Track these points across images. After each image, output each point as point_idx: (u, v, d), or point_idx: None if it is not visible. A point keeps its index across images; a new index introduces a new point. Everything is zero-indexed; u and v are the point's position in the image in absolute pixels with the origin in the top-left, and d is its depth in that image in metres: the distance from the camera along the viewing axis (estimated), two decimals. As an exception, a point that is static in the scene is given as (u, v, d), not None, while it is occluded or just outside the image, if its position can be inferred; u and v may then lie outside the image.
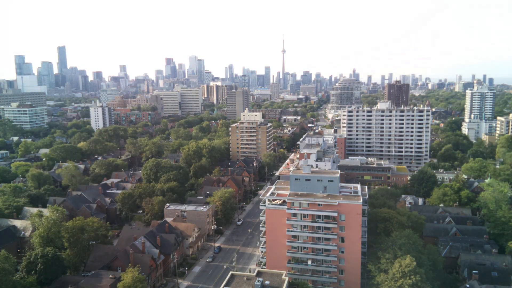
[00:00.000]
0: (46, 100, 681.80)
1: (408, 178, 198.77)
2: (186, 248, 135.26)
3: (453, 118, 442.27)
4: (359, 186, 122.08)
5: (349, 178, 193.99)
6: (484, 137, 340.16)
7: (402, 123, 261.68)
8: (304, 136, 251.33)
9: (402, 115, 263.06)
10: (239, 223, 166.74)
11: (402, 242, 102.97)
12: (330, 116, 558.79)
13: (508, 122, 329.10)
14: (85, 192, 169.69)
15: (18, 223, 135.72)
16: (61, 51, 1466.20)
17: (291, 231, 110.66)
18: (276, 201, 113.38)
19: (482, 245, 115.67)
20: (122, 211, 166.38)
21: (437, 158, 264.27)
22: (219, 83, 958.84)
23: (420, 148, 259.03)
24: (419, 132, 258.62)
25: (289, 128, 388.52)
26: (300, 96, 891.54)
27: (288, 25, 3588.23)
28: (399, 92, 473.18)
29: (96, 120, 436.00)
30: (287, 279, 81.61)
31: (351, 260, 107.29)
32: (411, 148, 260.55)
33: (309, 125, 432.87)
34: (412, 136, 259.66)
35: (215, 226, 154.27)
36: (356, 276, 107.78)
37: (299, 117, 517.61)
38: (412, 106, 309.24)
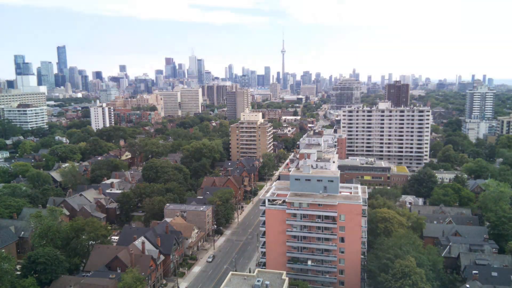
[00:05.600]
0: (46, 100, 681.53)
1: (408, 178, 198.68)
2: (186, 248, 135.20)
3: (453, 118, 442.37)
4: (359, 186, 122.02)
5: (349, 178, 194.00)
6: (484, 137, 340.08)
7: (402, 123, 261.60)
8: (304, 136, 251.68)
9: (402, 115, 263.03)
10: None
11: (402, 242, 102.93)
12: (330, 116, 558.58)
13: (508, 122, 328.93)
14: (85, 192, 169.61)
15: (18, 223, 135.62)
16: (61, 51, 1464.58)
17: (291, 231, 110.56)
18: (276, 201, 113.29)
19: (482, 245, 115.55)
20: (122, 211, 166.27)
21: (437, 158, 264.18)
22: (219, 83, 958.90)
23: (420, 148, 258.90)
24: (419, 132, 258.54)
25: (289, 128, 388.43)
26: (300, 96, 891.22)
27: (288, 25, 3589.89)
28: (399, 92, 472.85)
29: (96, 120, 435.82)
30: (287, 279, 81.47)
31: (351, 260, 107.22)
32: (411, 148, 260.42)
33: (309, 125, 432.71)
34: (412, 136, 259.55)
35: (215, 226, 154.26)
36: (356, 276, 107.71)
37: (299, 117, 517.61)
38: (412, 106, 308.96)
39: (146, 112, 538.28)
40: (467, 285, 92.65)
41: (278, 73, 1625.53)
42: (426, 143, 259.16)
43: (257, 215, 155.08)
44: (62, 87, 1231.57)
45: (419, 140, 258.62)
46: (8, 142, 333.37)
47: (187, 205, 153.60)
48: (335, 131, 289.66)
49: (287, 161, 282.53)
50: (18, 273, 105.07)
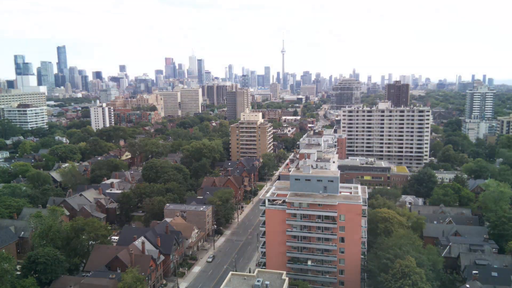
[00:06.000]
0: (46, 100, 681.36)
1: (408, 178, 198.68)
2: (186, 248, 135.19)
3: (453, 118, 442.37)
4: (359, 186, 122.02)
5: (349, 178, 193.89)
6: (484, 137, 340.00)
7: (402, 123, 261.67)
8: (304, 136, 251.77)
9: (402, 115, 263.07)
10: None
11: (402, 242, 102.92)
12: (330, 116, 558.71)
13: (508, 122, 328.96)
14: (85, 192, 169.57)
15: (18, 223, 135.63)
16: (61, 51, 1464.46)
17: (291, 231, 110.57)
18: (276, 201, 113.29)
19: (482, 245, 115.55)
20: (122, 211, 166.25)
21: (437, 158, 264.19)
22: (219, 83, 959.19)
23: (420, 148, 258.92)
24: (419, 132, 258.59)
25: (289, 128, 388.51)
26: (300, 96, 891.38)
27: (288, 25, 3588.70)
28: (399, 92, 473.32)
29: (96, 120, 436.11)
30: (287, 279, 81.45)
31: (351, 260, 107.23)
32: (411, 148, 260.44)
33: (309, 125, 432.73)
34: (412, 136, 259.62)
35: (215, 226, 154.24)
36: (356, 276, 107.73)
37: (299, 117, 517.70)
38: (412, 106, 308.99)
39: (146, 112, 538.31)
40: (467, 285, 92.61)
41: (278, 73, 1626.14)
42: (426, 143, 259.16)
43: (257, 215, 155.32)
44: (62, 87, 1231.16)
45: (419, 140, 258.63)
46: (8, 142, 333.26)
47: (187, 205, 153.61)
48: (335, 131, 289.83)
49: (287, 161, 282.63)
50: (18, 273, 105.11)
